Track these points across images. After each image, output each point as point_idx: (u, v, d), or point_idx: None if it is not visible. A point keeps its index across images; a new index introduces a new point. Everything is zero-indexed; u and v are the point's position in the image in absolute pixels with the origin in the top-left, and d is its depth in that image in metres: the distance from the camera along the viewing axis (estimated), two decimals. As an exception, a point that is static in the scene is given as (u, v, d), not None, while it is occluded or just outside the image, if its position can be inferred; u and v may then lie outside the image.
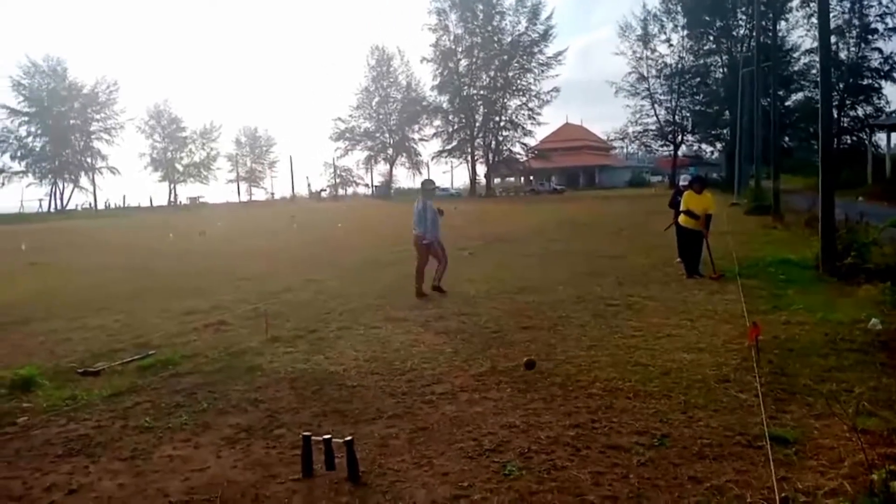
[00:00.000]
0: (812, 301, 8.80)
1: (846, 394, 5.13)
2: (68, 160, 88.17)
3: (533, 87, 79.57)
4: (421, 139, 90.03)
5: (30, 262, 19.61)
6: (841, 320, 7.57)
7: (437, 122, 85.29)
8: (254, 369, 6.71)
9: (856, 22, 58.45)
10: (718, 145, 72.10)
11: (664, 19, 70.36)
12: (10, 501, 4.01)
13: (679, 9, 68.54)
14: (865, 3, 57.40)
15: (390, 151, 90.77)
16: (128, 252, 22.34)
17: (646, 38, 71.81)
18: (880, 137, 49.62)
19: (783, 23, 59.28)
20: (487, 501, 3.73)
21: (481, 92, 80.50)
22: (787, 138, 61.48)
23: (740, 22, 65.54)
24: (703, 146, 75.33)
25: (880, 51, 58.72)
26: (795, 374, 5.74)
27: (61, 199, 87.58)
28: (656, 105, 72.87)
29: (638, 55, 72.66)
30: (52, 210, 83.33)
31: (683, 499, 3.64)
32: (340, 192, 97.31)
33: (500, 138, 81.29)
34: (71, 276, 16.09)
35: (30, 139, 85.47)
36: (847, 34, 58.28)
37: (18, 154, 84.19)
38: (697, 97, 70.85)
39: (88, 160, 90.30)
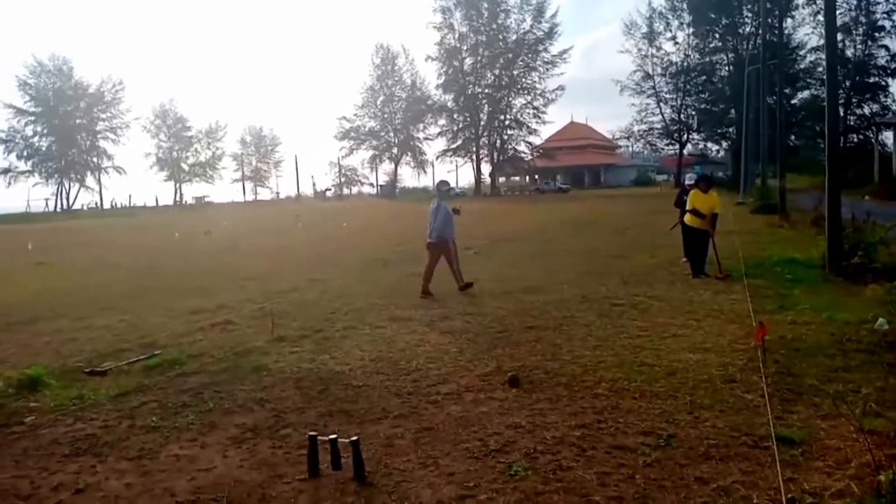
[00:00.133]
0: (818, 301, 8.78)
1: (853, 394, 5.11)
2: (74, 160, 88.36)
3: (538, 86, 79.37)
4: (426, 138, 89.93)
5: (36, 262, 19.68)
6: (848, 320, 7.55)
7: (441, 121, 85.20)
8: (260, 369, 6.73)
9: (862, 19, 58.24)
10: (724, 144, 71.91)
11: (670, 17, 70.08)
12: (18, 500, 4.03)
13: (685, 6, 68.20)
14: (872, 0, 57.22)
15: (395, 150, 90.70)
16: (134, 252, 22.41)
17: (651, 36, 71.52)
18: (887, 136, 49.28)
19: (789, 20, 59.03)
20: (493, 502, 3.74)
21: (486, 90, 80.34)
22: (793, 137, 61.30)
23: (746, 20, 65.36)
24: (709, 145, 75.10)
25: (887, 48, 58.61)
26: (802, 374, 5.73)
27: (67, 199, 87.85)
28: (662, 103, 72.62)
29: (643, 53, 72.39)
30: (58, 209, 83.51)
31: (690, 499, 3.64)
32: (345, 191, 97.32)
33: (505, 137, 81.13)
34: (77, 275, 16.14)
35: (36, 139, 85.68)
36: (853, 32, 58.09)
37: (25, 153, 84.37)
38: (703, 95, 70.58)
39: (94, 160, 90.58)
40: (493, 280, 11.99)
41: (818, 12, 54.24)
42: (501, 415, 5.10)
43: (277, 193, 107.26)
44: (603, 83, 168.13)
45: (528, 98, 79.93)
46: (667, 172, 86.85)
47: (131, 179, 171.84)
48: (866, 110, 59.93)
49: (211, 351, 7.56)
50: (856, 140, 59.68)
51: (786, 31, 54.57)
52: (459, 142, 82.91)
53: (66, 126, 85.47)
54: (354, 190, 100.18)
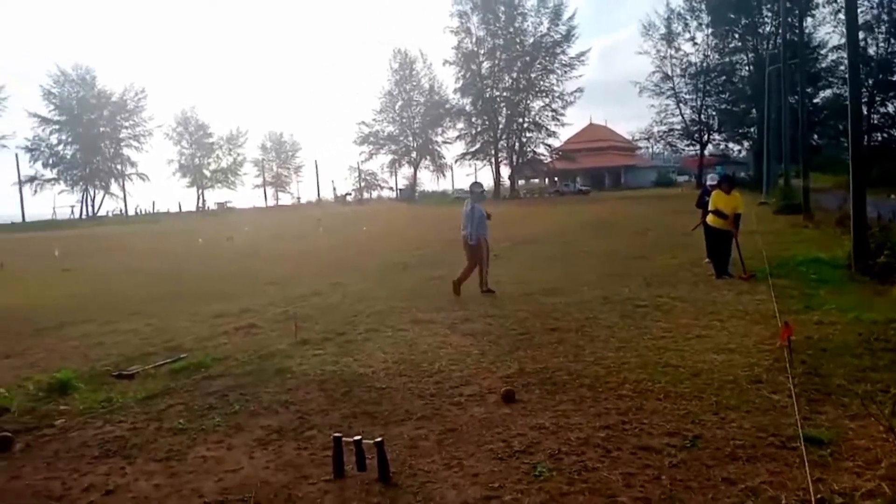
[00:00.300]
0: (845, 301, 8.66)
1: (882, 394, 5.05)
2: (99, 167, 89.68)
3: (556, 88, 79.01)
4: (444, 142, 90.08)
5: (62, 268, 19.99)
6: (875, 319, 7.44)
7: (460, 125, 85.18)
8: (284, 371, 6.78)
9: (885, 17, 57.27)
10: (746, 144, 71.15)
11: (688, 18, 69.55)
12: (50, 501, 4.10)
13: (703, 7, 67.67)
14: (895, -3, 56.39)
15: (414, 155, 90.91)
16: (158, 257, 22.68)
17: (670, 37, 71.00)
18: (912, 134, 48.57)
19: (809, 19, 58.23)
20: (518, 502, 3.74)
21: (504, 94, 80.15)
22: (815, 136, 60.42)
23: (766, 19, 64.64)
24: (730, 145, 74.32)
25: (911, 46, 57.59)
26: (829, 374, 5.67)
27: (92, 206, 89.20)
28: (681, 104, 72.01)
29: (662, 54, 71.90)
30: (83, 216, 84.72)
31: (717, 500, 3.61)
32: (365, 195, 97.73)
33: (524, 140, 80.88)
34: (102, 281, 16.37)
35: (61, 147, 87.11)
36: (876, 30, 57.12)
37: (50, 162, 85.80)
38: (723, 96, 69.92)
39: (118, 167, 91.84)
40: (513, 282, 11.99)
41: (839, 11, 53.39)
42: (525, 416, 5.10)
43: (298, 198, 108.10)
44: (621, 85, 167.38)
45: (547, 101, 79.64)
46: (688, 173, 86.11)
47: (154, 186, 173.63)
48: (890, 108, 58.93)
49: (235, 354, 7.63)
50: (880, 138, 58.73)
51: (806, 31, 54.00)
52: (478, 145, 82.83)
53: (90, 134, 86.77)
54: (374, 194, 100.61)
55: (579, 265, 14.14)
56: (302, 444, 4.78)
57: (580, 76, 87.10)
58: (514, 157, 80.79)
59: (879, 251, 10.81)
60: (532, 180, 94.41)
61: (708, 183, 13.39)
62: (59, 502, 4.09)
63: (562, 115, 79.48)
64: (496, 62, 79.01)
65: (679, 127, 72.93)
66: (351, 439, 4.22)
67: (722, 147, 74.21)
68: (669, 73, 71.83)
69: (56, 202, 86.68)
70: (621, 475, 3.99)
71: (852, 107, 12.22)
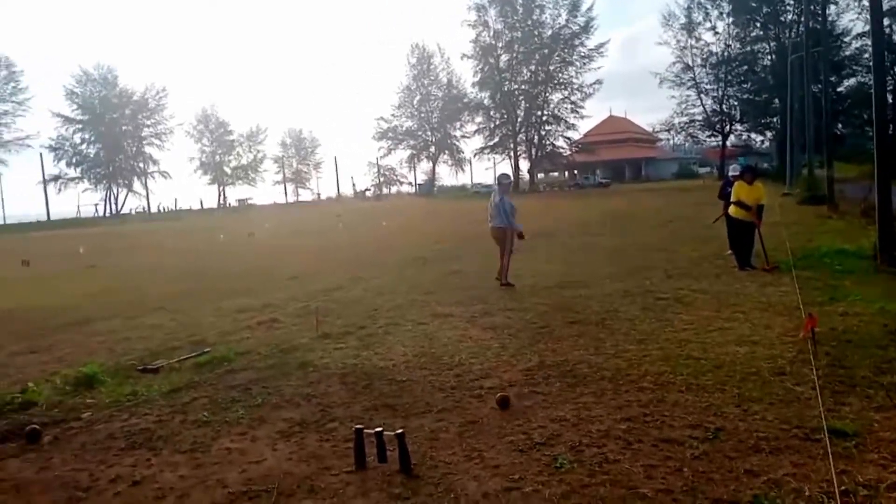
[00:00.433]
0: (870, 292, 8.55)
1: (908, 386, 4.98)
2: (121, 165, 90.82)
3: (575, 81, 78.46)
4: (463, 136, 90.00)
5: (87, 265, 20.30)
6: (901, 311, 7.34)
7: (478, 119, 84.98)
8: (305, 365, 6.84)
9: (911, 3, 56.27)
10: (769, 134, 70.39)
11: (709, 7, 68.82)
12: (78, 492, 4.18)
13: (724, -4, 66.99)
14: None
15: (432, 149, 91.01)
16: (180, 254, 22.93)
17: (690, 27, 70.29)
18: (939, 122, 47.60)
19: (833, 7, 57.38)
20: (539, 494, 3.74)
21: (522, 87, 79.78)
22: (839, 125, 59.68)
23: (788, 7, 63.78)
24: (753, 135, 73.63)
25: (937, 32, 56.51)
26: (854, 365, 5.60)
27: (116, 204, 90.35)
28: (702, 95, 71.28)
29: (682, 44, 71.22)
30: (107, 214, 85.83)
31: (739, 492, 3.59)
32: (384, 191, 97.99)
33: (543, 133, 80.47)
34: (127, 277, 16.59)
35: (84, 146, 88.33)
36: (902, 16, 56.17)
37: (74, 160, 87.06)
38: (745, 85, 69.14)
39: (141, 165, 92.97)
40: (533, 275, 11.97)
41: (863, -2, 52.66)
42: (545, 408, 5.10)
43: (318, 194, 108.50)
44: (641, 76, 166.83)
45: (566, 93, 79.15)
46: (709, 164, 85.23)
47: (176, 183, 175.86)
48: (915, 96, 57.93)
49: (258, 348, 7.71)
50: (905, 127, 57.77)
51: (829, 18, 53.17)
52: (497, 139, 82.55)
53: (112, 133, 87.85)
54: (393, 189, 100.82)
55: (599, 258, 14.07)
56: (324, 436, 4.83)
57: (599, 68, 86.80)
58: (533, 151, 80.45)
59: (906, 241, 10.65)
60: (551, 173, 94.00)
61: (730, 174, 13.27)
62: (87, 493, 4.17)
63: (581, 107, 79.03)
64: (514, 55, 78.59)
65: (700, 118, 72.28)
66: (372, 431, 4.25)
67: (744, 138, 73.53)
68: (690, 63, 71.20)
69: (80, 200, 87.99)
70: (643, 467, 3.98)
71: (877, 95, 12.05)
